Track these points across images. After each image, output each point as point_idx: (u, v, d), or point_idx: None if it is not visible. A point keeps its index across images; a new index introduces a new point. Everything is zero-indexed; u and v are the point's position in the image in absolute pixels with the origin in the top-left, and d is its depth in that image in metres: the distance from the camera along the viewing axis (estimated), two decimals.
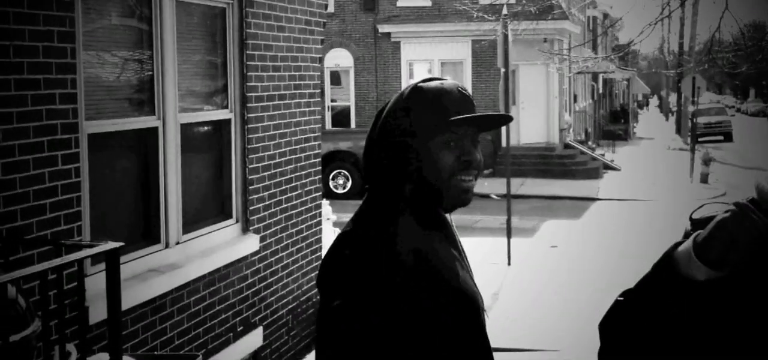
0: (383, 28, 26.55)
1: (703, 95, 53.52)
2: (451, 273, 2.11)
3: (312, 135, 7.45)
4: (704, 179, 23.65)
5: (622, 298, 1.85)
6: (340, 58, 27.02)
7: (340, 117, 26.86)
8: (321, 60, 7.78)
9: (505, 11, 13.24)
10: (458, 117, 2.17)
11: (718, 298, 1.73)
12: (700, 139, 38.57)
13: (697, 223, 1.85)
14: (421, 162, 2.17)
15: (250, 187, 6.44)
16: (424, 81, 2.27)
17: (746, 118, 66.96)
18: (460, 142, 2.19)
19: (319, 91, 7.66)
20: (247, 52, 6.40)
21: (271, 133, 6.75)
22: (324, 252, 7.59)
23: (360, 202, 2.23)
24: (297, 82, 7.18)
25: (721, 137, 42.51)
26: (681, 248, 1.75)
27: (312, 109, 7.47)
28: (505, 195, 12.71)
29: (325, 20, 7.75)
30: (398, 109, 2.21)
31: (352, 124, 26.42)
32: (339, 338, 2.05)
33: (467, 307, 2.11)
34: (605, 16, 41.29)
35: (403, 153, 2.17)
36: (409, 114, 2.18)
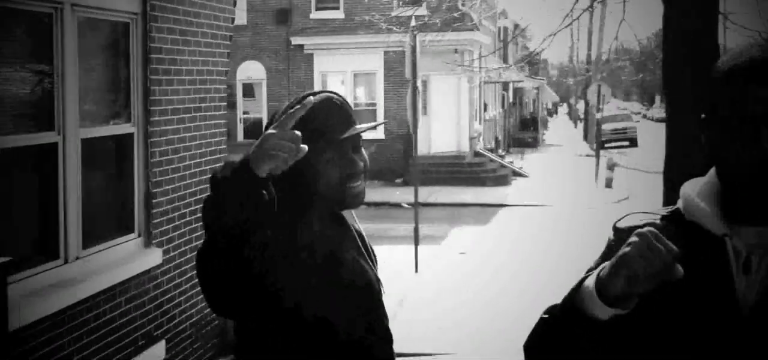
0: (296, 40, 26.62)
1: (611, 102, 54.66)
2: (347, 266, 2.39)
3: (217, 148, 7.50)
4: (608, 184, 24.34)
5: (546, 316, 1.79)
6: (252, 71, 26.98)
7: (253, 129, 26.80)
8: (227, 73, 7.84)
9: (413, 23, 13.47)
10: (342, 137, 2.39)
11: (626, 334, 1.67)
12: (606, 145, 39.59)
13: (620, 232, 1.83)
14: (313, 177, 2.37)
15: (153, 201, 6.47)
16: (300, 100, 2.45)
17: (652, 123, 68.85)
18: (343, 154, 2.39)
19: (225, 104, 7.71)
20: (151, 66, 6.43)
21: (175, 146, 6.79)
22: None
23: None
24: (202, 96, 7.22)
25: (626, 143, 43.66)
26: (585, 284, 1.68)
27: (217, 122, 7.52)
28: (414, 203, 12.92)
29: (231, 34, 7.81)
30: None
31: None
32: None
33: (357, 284, 2.40)
34: (516, 26, 42.09)
35: (296, 168, 2.37)
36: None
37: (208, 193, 2.09)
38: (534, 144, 41.89)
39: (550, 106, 78.04)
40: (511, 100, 41.79)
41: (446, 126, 26.60)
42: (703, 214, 1.75)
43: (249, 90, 27.30)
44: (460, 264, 13.25)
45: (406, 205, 19.62)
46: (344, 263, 2.40)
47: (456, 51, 24.63)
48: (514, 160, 31.19)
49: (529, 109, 51.58)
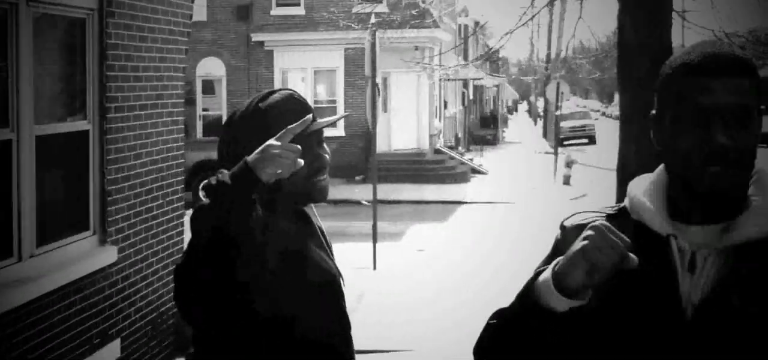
0: (256, 37, 26.52)
1: (570, 100, 54.72)
2: (314, 262, 2.44)
3: (174, 145, 7.48)
4: (566, 181, 24.56)
5: (493, 321, 1.79)
6: (212, 67, 26.85)
7: (212, 126, 26.65)
8: (185, 70, 7.82)
9: (372, 20, 13.50)
10: (309, 131, 2.41)
11: (585, 325, 1.68)
12: (565, 143, 39.90)
13: (567, 231, 1.86)
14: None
15: (109, 199, 6.43)
16: (263, 99, 2.49)
17: (610, 121, 69.53)
18: (309, 148, 2.43)
19: (182, 101, 7.69)
20: (108, 62, 6.40)
21: (132, 143, 6.76)
22: None
23: None
24: (159, 92, 7.20)
25: (585, 140, 44.00)
26: (541, 278, 1.69)
27: (175, 118, 7.50)
28: (373, 200, 12.97)
29: (189, 30, 7.79)
30: (249, 127, 2.42)
31: None
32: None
33: (325, 279, 2.47)
34: (476, 24, 42.27)
35: None
36: (258, 133, 2.37)
37: (200, 204, 2.11)
38: (494, 141, 42.12)
39: (510, 103, 78.54)
40: (471, 97, 42.00)
41: (406, 123, 26.69)
42: (649, 213, 1.76)
43: (209, 87, 27.16)
44: (418, 261, 13.32)
45: (366, 203, 19.65)
46: (313, 260, 2.46)
47: (416, 48, 24.73)
48: (474, 158, 31.34)
49: (489, 106, 51.87)
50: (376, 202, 12.90)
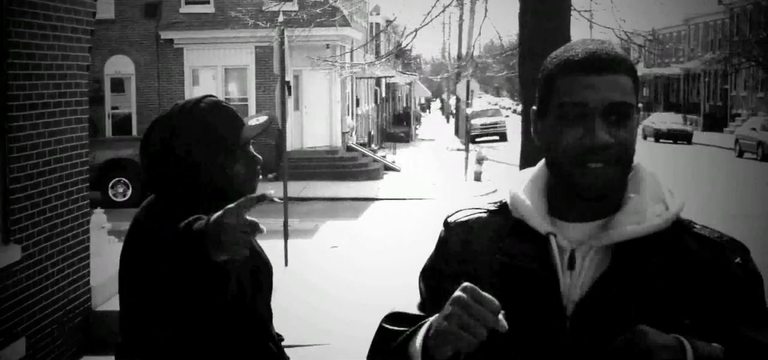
0: (166, 35, 26.22)
1: (483, 97, 55.24)
2: (253, 249, 2.51)
3: (79, 143, 7.42)
4: (477, 178, 24.96)
5: (387, 326, 1.77)
6: (120, 65, 26.45)
7: (122, 124, 26.27)
8: (89, 68, 7.77)
9: (281, 18, 13.52)
10: (247, 137, 2.51)
11: None
12: (476, 140, 40.46)
13: (450, 228, 1.84)
14: (214, 176, 2.46)
15: (12, 197, 6.37)
16: (194, 105, 2.51)
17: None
18: (244, 154, 2.53)
19: (86, 99, 7.64)
20: (9, 60, 6.33)
21: (35, 142, 6.69)
22: (92, 260, 7.60)
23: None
24: (62, 90, 7.14)
25: (496, 137, 44.67)
26: (413, 348, 1.65)
27: (79, 117, 7.45)
28: (284, 198, 13.01)
29: (93, 28, 7.74)
30: (182, 130, 2.45)
31: (134, 132, 25.90)
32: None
33: (263, 269, 2.59)
34: (388, 22, 42.50)
35: (193, 170, 2.43)
36: (191, 137, 2.43)
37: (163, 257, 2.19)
38: (406, 139, 42.43)
39: (423, 101, 79.17)
40: (384, 95, 42.25)
41: (318, 121, 26.75)
42: (528, 211, 1.75)
43: (118, 85, 26.75)
44: (331, 257, 13.41)
45: (278, 200, 19.61)
46: (257, 251, 2.56)
47: (327, 46, 24.80)
48: (387, 155, 31.57)
49: (402, 104, 52.22)
50: (286, 199, 12.95)
